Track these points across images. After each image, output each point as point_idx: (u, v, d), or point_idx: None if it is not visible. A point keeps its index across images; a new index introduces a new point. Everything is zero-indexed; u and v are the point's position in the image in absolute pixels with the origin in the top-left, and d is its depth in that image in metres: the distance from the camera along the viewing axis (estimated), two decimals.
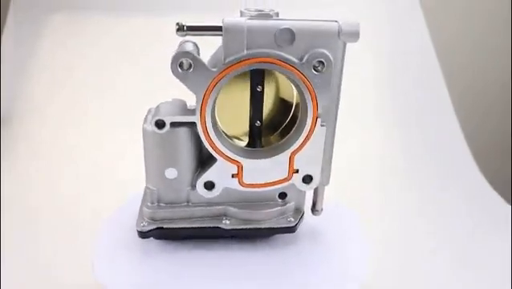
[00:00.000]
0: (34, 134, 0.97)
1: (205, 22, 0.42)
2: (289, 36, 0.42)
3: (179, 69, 0.42)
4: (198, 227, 0.48)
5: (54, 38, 1.09)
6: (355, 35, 0.42)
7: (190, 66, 0.42)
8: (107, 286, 0.45)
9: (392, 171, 0.94)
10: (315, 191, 0.51)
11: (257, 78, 0.46)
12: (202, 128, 0.45)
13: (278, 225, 0.49)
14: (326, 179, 0.50)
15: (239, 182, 0.48)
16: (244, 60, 0.42)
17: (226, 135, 0.49)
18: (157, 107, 0.47)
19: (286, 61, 0.42)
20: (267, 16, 0.42)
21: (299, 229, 0.50)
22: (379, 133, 1.02)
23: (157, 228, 0.48)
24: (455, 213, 0.85)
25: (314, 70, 0.43)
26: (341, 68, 0.45)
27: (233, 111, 0.48)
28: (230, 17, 0.41)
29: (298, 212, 0.51)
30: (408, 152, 1.00)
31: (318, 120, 0.46)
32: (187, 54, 0.41)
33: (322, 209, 0.53)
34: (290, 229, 0.49)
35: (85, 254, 0.49)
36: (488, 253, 0.74)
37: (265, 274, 0.47)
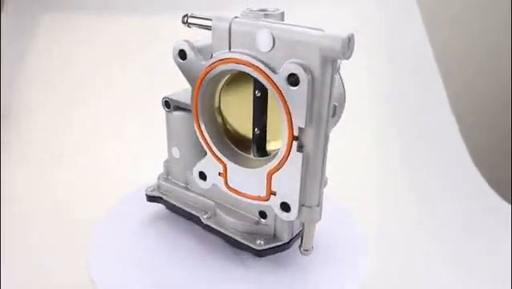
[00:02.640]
0: (29, 133, 0.97)
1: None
2: (268, 41, 0.37)
3: (178, 58, 0.44)
4: (186, 211, 0.50)
5: (47, 38, 1.08)
6: (337, 51, 0.34)
7: (186, 56, 0.43)
8: (101, 285, 0.45)
9: (391, 171, 0.94)
10: (303, 226, 0.44)
11: (257, 81, 0.43)
12: (194, 117, 0.46)
13: (244, 242, 0.45)
14: (315, 216, 0.42)
15: (224, 183, 0.47)
16: (224, 59, 0.40)
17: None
18: (183, 89, 0.51)
19: (262, 68, 0.38)
20: (257, 16, 0.39)
21: None
22: (377, 134, 1.01)
23: (158, 197, 0.53)
24: (454, 214, 0.85)
25: (289, 83, 0.37)
26: (329, 89, 0.37)
27: (243, 113, 0.46)
28: (220, 13, 0.40)
29: (276, 239, 0.45)
30: (405, 152, 0.99)
31: (295, 143, 0.39)
32: (184, 44, 0.43)
33: (312, 248, 0.45)
34: (256, 252, 0.45)
35: (80, 254, 0.50)
36: (488, 253, 0.74)
37: (261, 275, 0.46)
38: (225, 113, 0.47)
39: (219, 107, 0.47)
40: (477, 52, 1.24)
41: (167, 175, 0.53)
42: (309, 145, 0.39)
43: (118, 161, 0.88)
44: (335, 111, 0.44)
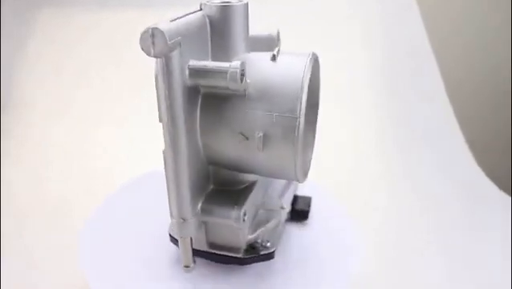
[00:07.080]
0: (27, 128, 0.94)
1: None
2: None
3: None
4: None
5: (44, 33, 1.06)
6: None
7: None
8: (93, 284, 0.44)
9: (389, 167, 0.93)
10: None
11: None
12: None
13: None
14: (174, 228, 0.38)
15: None
16: None
17: None
18: None
19: None
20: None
21: (292, 226, 0.50)
22: (375, 128, 1.00)
23: None
24: (453, 207, 0.84)
25: None
26: (162, 88, 0.32)
27: None
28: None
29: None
30: (404, 147, 0.99)
31: None
32: None
33: (193, 267, 0.39)
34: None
35: (73, 253, 0.49)
36: (488, 248, 0.73)
37: (254, 274, 0.45)
38: None
39: None
40: (476, 51, 1.25)
41: None
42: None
43: (117, 160, 0.87)
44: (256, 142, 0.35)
